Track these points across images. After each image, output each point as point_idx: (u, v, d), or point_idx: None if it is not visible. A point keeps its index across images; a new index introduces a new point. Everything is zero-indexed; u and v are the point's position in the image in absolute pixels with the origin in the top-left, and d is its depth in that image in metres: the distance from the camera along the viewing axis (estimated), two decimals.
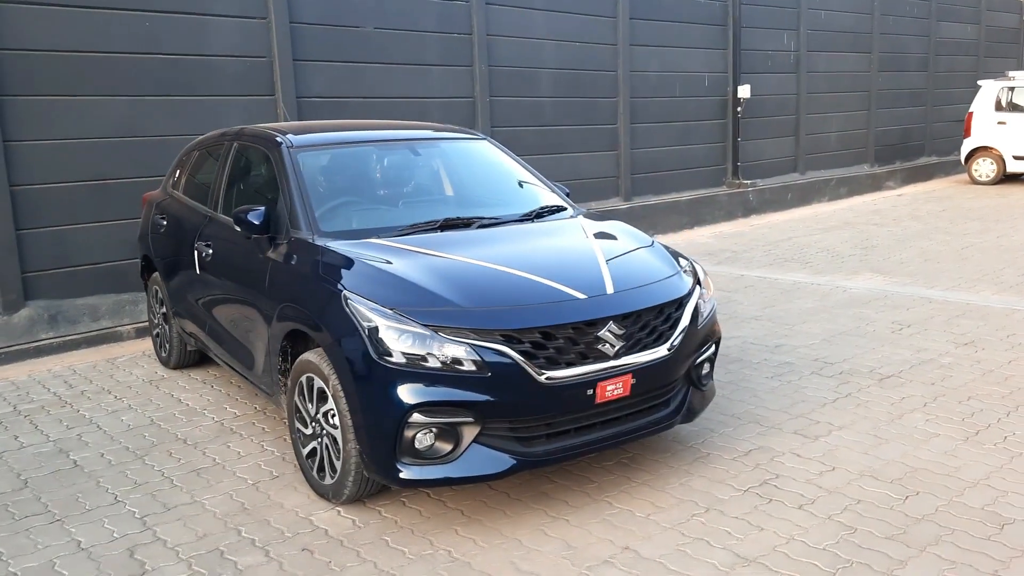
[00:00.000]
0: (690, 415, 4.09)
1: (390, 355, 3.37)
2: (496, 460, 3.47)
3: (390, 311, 3.44)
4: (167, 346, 5.90)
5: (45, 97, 6.63)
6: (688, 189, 11.95)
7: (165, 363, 6.00)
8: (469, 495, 3.89)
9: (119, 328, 6.97)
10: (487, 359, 3.38)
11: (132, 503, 3.94)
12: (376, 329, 3.42)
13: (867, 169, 15.28)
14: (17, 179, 6.54)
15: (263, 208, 4.23)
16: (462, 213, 4.50)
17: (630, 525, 3.61)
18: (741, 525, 3.58)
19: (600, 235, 4.41)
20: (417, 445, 3.40)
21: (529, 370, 3.42)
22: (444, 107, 9.17)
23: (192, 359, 5.85)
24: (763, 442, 4.42)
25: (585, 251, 4.11)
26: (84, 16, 6.72)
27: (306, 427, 3.90)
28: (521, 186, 4.96)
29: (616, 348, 3.63)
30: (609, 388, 3.60)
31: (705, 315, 4.12)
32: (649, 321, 3.77)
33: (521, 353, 3.43)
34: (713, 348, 4.24)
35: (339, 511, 3.79)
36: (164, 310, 5.84)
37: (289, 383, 3.98)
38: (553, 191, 5.04)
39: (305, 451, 3.94)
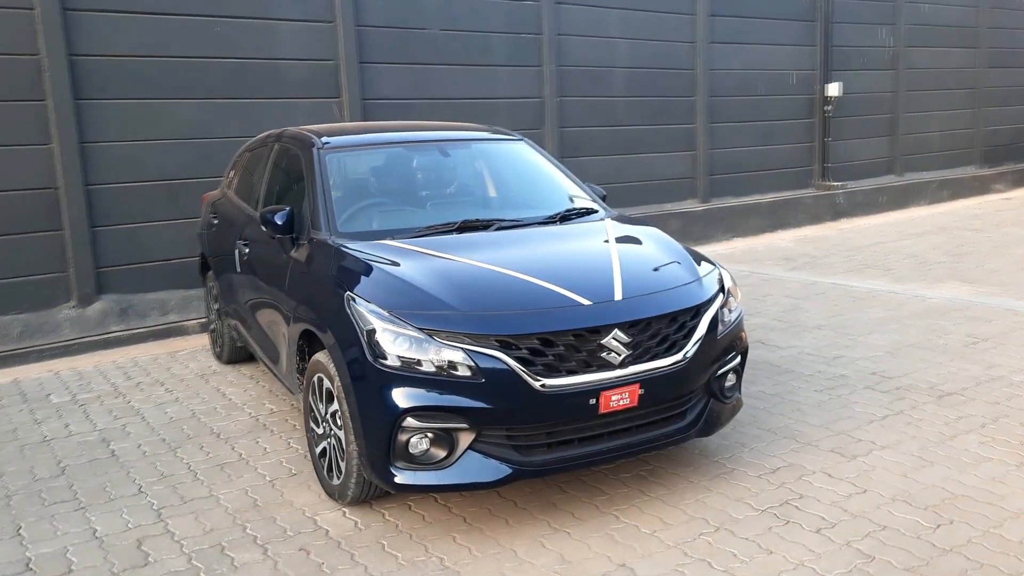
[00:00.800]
0: (709, 429, 3.92)
1: (385, 358, 3.36)
2: (492, 468, 3.40)
3: (387, 313, 3.42)
4: (219, 341, 6.07)
5: (120, 101, 6.93)
6: (770, 191, 11.55)
7: (218, 357, 6.18)
8: (474, 501, 3.83)
9: (185, 323, 7.22)
10: (482, 365, 3.32)
11: (153, 495, 4.05)
12: (373, 331, 3.40)
13: (973, 171, 14.42)
14: (92, 179, 6.86)
15: (288, 209, 4.29)
16: (486, 215, 4.46)
17: (633, 541, 3.48)
18: (750, 547, 3.40)
19: (623, 239, 4.28)
20: (411, 450, 3.37)
21: (526, 377, 3.34)
22: (511, 108, 9.14)
23: (242, 354, 5.99)
24: (795, 459, 4.20)
25: (601, 255, 3.99)
26: (157, 23, 6.99)
27: (318, 427, 3.93)
28: (552, 188, 4.86)
29: (622, 357, 3.50)
30: (614, 398, 3.48)
31: (728, 324, 3.94)
32: (660, 329, 3.62)
33: (518, 359, 3.35)
34: (739, 359, 4.05)
35: (344, 512, 3.80)
36: (216, 306, 6.02)
37: (304, 382, 4.01)
38: (587, 193, 4.92)
39: (317, 450, 3.97)
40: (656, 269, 3.98)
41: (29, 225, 6.67)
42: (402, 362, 3.34)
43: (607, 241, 4.20)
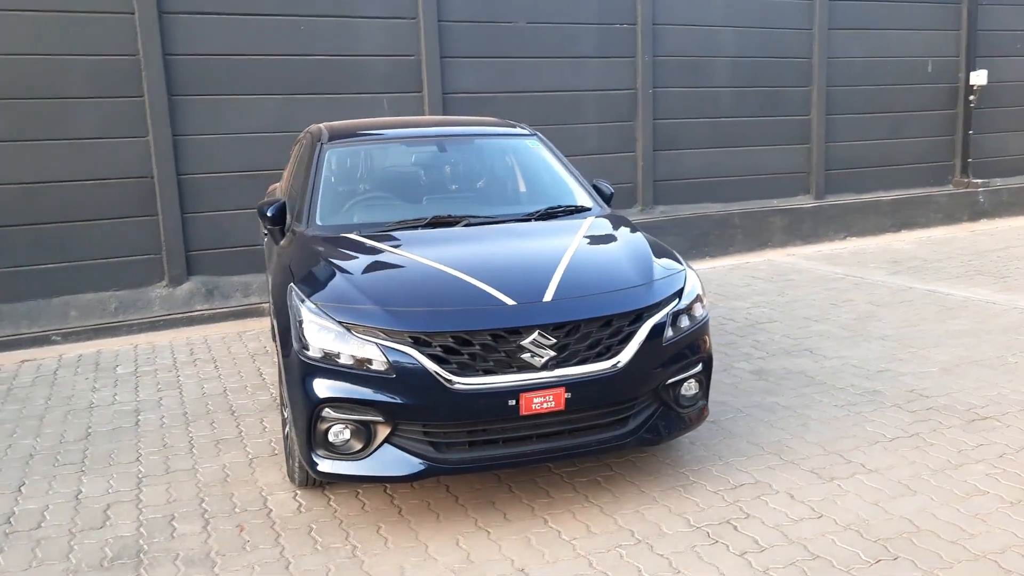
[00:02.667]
0: (657, 438, 3.78)
1: (308, 349, 3.49)
2: (406, 463, 3.46)
3: (315, 306, 3.55)
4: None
5: (209, 97, 7.46)
6: (896, 188, 10.75)
7: (272, 338, 6.55)
8: (416, 493, 3.91)
9: (264, 304, 7.70)
10: (394, 360, 3.38)
11: (146, 464, 4.40)
12: (301, 322, 3.55)
13: None
14: (184, 169, 7.44)
15: (280, 201, 4.52)
16: (467, 210, 4.49)
17: (546, 546, 3.43)
18: (659, 565, 3.27)
19: (591, 239, 4.19)
20: (332, 439, 3.49)
21: (438, 375, 3.37)
22: (600, 100, 9.03)
23: None
24: (766, 477, 3.97)
25: (552, 255, 3.91)
26: (245, 23, 7.46)
27: (285, 410, 4.12)
28: (547, 185, 4.82)
29: (545, 359, 3.45)
30: (536, 401, 3.44)
31: (684, 330, 3.78)
32: (591, 333, 3.53)
33: (431, 357, 3.38)
34: (699, 367, 3.87)
35: (296, 494, 3.98)
36: None
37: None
38: (585, 191, 4.83)
39: (284, 432, 4.17)
40: (606, 270, 3.88)
41: (128, 211, 7.32)
42: (323, 354, 3.46)
43: (571, 241, 4.12)
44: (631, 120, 9.23)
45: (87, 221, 7.16)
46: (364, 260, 3.85)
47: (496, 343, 3.43)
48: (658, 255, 4.08)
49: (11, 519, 3.84)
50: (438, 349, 3.40)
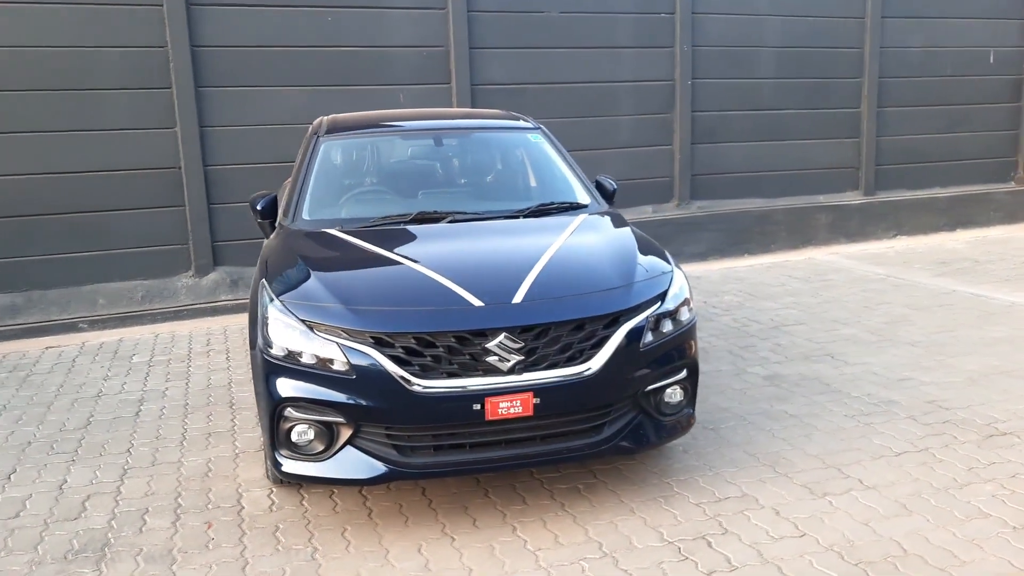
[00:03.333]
0: (635, 447, 3.63)
1: (271, 347, 3.43)
2: (367, 466, 3.38)
3: (280, 303, 3.49)
4: None
5: (236, 88, 7.50)
6: (953, 184, 10.25)
7: None
8: (389, 496, 3.83)
9: None
10: (355, 361, 3.30)
11: (135, 456, 4.42)
12: (267, 320, 3.49)
13: None
14: (211, 160, 7.50)
15: (271, 195, 4.48)
16: (462, 206, 4.40)
17: (509, 556, 3.32)
18: None
19: (578, 238, 4.04)
20: (295, 439, 3.43)
21: (399, 377, 3.27)
22: (635, 91, 8.81)
23: None
24: (754, 490, 3.78)
25: (531, 254, 3.77)
26: (271, 14, 7.47)
27: None
28: (544, 181, 4.67)
29: (511, 363, 3.33)
30: (503, 406, 3.32)
31: (666, 335, 3.61)
32: (561, 336, 3.39)
33: (392, 358, 3.29)
34: (684, 374, 3.70)
35: (271, 491, 3.94)
36: None
37: None
38: (584, 188, 4.67)
39: None
40: (584, 271, 3.72)
41: (155, 201, 7.41)
42: (287, 352, 3.40)
43: (555, 240, 3.97)
44: (668, 112, 8.98)
45: (116, 211, 7.26)
46: (337, 257, 3.78)
47: (461, 345, 3.32)
48: (646, 255, 3.91)
49: None
50: (400, 350, 3.30)
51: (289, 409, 3.39)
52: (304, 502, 3.83)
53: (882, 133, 9.85)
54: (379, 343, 3.31)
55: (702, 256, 8.90)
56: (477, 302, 3.40)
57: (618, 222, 4.32)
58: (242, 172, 7.60)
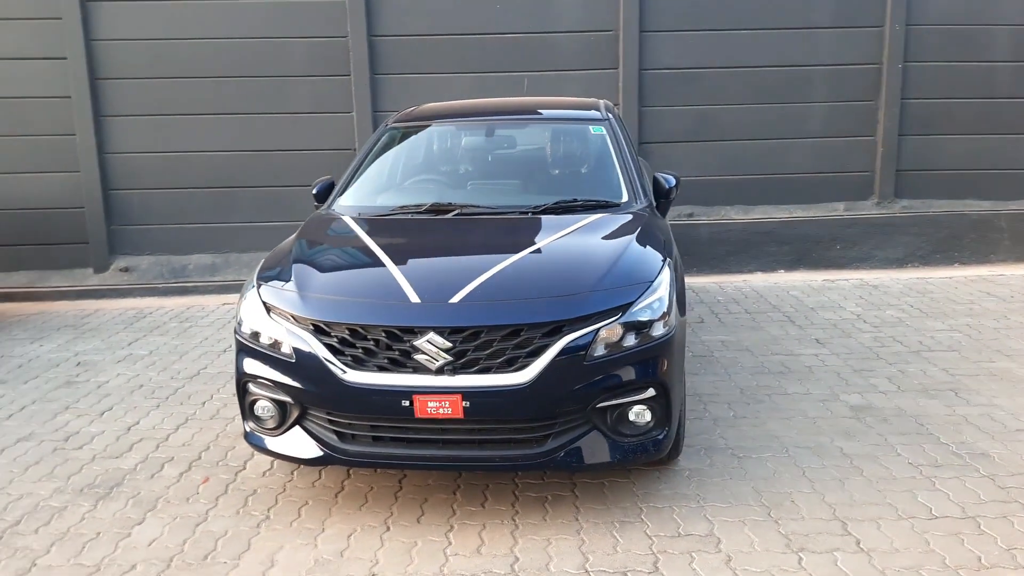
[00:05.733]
0: (579, 465, 3.41)
1: (241, 324, 3.68)
2: (307, 446, 3.52)
3: (255, 283, 3.72)
4: None
5: (406, 75, 7.92)
6: None
7: None
8: (368, 478, 3.92)
9: None
10: (296, 346, 3.43)
11: (205, 408, 4.92)
12: (243, 298, 3.74)
13: None
14: None
15: (326, 179, 4.74)
16: (485, 200, 4.37)
17: (422, 557, 3.30)
18: None
19: (571, 239, 3.84)
20: (258, 413, 3.65)
21: (332, 366, 3.36)
22: (831, 76, 7.99)
23: None
24: (726, 531, 3.40)
25: (501, 254, 3.64)
26: (444, 3, 7.77)
27: None
28: (590, 177, 4.47)
29: (439, 363, 3.28)
30: (431, 405, 3.29)
31: (625, 349, 3.33)
32: (493, 341, 3.27)
33: (328, 347, 3.38)
34: (650, 393, 3.40)
35: (253, 458, 4.19)
36: None
37: None
38: (629, 185, 4.38)
39: None
40: (546, 276, 3.53)
41: None
42: (251, 331, 3.62)
43: (543, 240, 3.79)
44: (871, 99, 8.04)
45: (297, 186, 8.01)
46: (328, 244, 3.95)
47: (391, 340, 3.33)
48: (633, 264, 3.61)
49: (68, 439, 4.55)
50: (335, 340, 3.38)
51: (251, 385, 3.61)
52: (294, 472, 4.06)
53: None
54: (318, 331, 3.42)
55: (898, 263, 7.91)
56: (415, 299, 3.38)
57: (635, 224, 4.01)
58: None
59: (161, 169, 8.00)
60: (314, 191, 4.74)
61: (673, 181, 4.49)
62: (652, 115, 8.00)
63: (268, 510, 3.71)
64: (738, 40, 7.90)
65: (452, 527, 3.51)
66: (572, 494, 3.74)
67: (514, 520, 3.55)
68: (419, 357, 3.30)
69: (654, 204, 4.46)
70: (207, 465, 4.17)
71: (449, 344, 3.28)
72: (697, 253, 7.92)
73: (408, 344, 3.31)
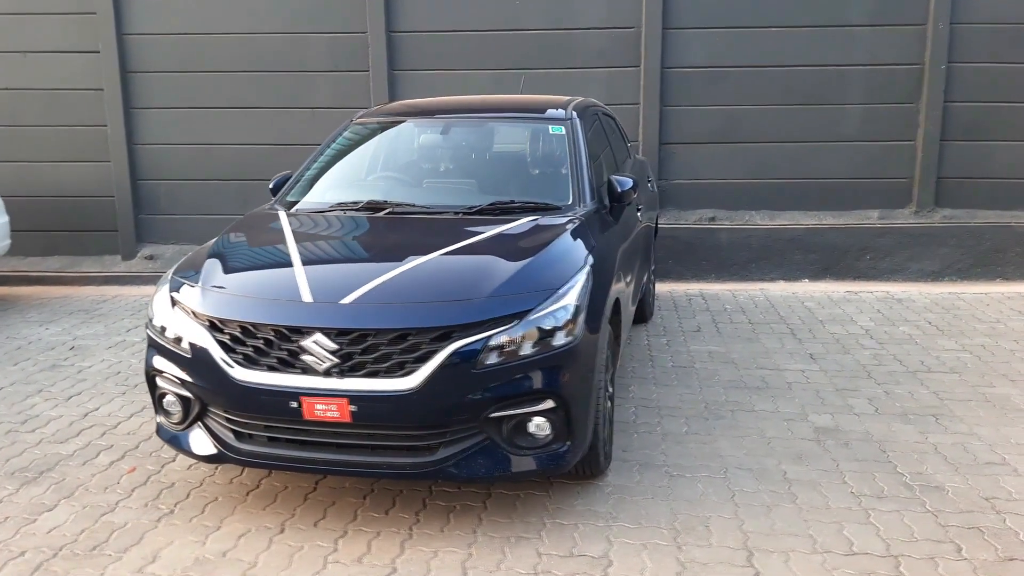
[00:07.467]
0: (468, 475, 3.26)
1: (152, 318, 3.67)
2: (203, 443, 3.48)
3: (168, 276, 3.72)
4: None
5: (424, 71, 7.89)
6: None
7: None
8: (301, 478, 3.86)
9: None
10: (193, 342, 3.40)
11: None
12: (156, 291, 3.75)
13: None
14: None
15: (286, 174, 4.73)
16: (422, 200, 4.28)
17: (303, 563, 3.22)
18: None
19: (487, 242, 3.70)
20: (166, 407, 3.64)
21: (224, 363, 3.32)
22: (868, 76, 7.57)
23: None
24: (620, 555, 3.21)
25: (407, 256, 3.53)
26: (463, 0, 7.69)
27: None
28: (538, 177, 4.30)
29: (326, 365, 3.20)
30: (319, 408, 3.22)
31: (520, 357, 3.17)
32: (380, 345, 3.16)
33: (220, 344, 3.34)
34: (549, 404, 3.23)
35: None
36: None
37: None
38: (576, 188, 4.19)
39: None
40: (446, 280, 3.40)
41: None
42: (160, 327, 3.61)
43: (457, 242, 3.67)
44: (912, 102, 7.58)
45: None
46: (248, 239, 3.91)
47: (279, 339, 3.26)
48: (543, 269, 3.44)
49: (25, 421, 4.66)
50: (227, 337, 3.34)
51: (158, 379, 3.60)
52: (217, 468, 4.03)
53: None
54: (212, 327, 3.38)
55: (933, 276, 7.42)
56: (307, 298, 3.31)
57: (563, 228, 3.81)
58: None
59: (187, 160, 8.19)
60: (271, 185, 4.73)
61: (629, 183, 4.28)
62: (675, 115, 7.73)
63: (176, 504, 3.70)
64: (768, 38, 7.56)
65: (346, 533, 3.42)
66: (482, 505, 3.60)
67: (411, 529, 3.43)
68: (307, 358, 3.23)
69: (606, 208, 4.27)
70: (140, 455, 4.20)
71: (335, 346, 3.19)
72: (716, 259, 7.62)
73: (296, 344, 3.23)
